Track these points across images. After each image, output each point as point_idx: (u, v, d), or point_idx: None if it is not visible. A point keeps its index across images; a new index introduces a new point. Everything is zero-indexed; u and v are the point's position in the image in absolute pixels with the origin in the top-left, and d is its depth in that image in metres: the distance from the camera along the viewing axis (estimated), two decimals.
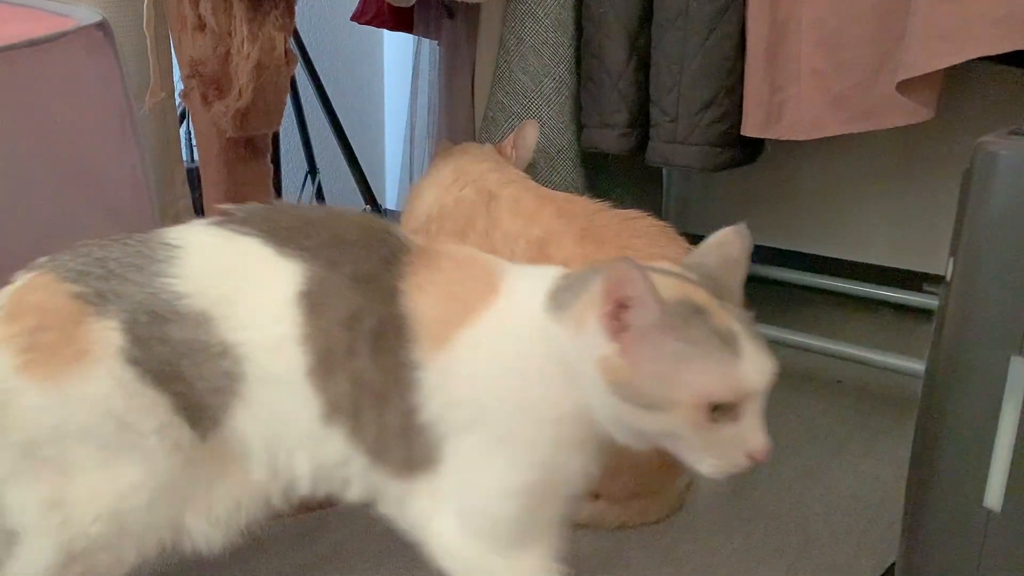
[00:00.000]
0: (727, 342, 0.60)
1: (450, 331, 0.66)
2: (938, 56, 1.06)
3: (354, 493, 0.71)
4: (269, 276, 0.66)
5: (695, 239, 1.10)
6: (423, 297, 0.67)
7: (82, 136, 1.06)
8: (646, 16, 1.37)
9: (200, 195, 1.31)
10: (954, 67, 1.07)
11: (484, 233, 1.09)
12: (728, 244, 0.72)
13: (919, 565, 0.76)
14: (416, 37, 1.92)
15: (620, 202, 1.11)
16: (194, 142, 1.74)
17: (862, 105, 1.23)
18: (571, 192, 1.28)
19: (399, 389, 0.66)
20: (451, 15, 1.73)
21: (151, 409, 0.65)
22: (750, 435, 0.61)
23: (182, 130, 1.71)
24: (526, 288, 0.68)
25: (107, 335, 0.64)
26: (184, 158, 1.69)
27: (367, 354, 0.65)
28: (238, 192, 1.21)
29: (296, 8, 1.16)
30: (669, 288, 0.62)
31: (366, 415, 0.66)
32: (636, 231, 1.05)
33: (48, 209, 1.02)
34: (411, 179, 1.98)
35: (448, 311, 0.67)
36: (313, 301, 0.65)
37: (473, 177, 1.17)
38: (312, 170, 2.09)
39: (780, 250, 1.97)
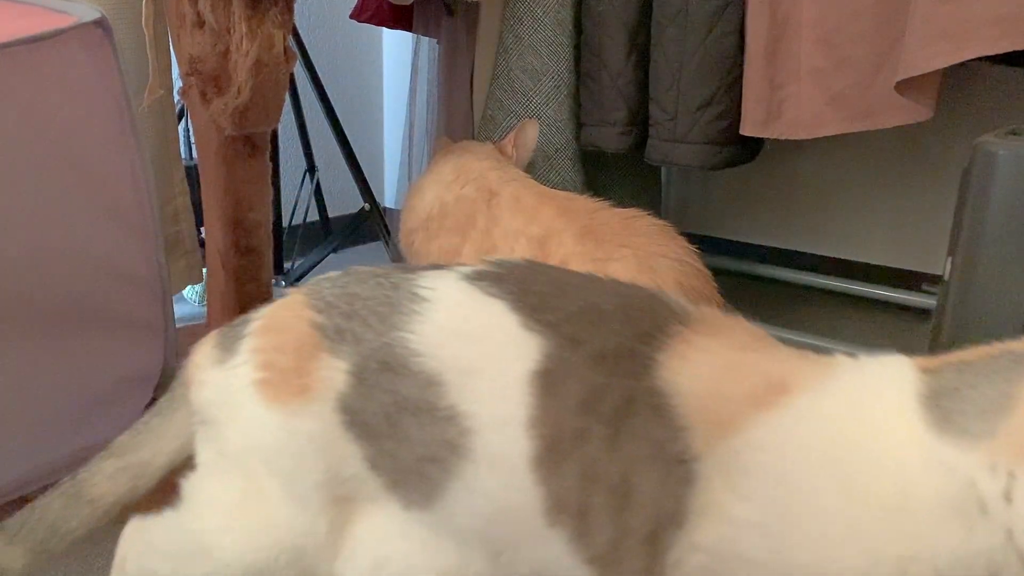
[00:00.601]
0: None
1: (741, 414, 0.53)
2: (937, 56, 1.06)
3: None
4: (508, 349, 0.59)
5: (694, 238, 1.11)
6: (691, 368, 0.56)
7: (80, 133, 1.06)
8: (646, 14, 1.37)
9: (199, 192, 1.31)
10: (953, 67, 1.08)
11: (485, 231, 1.09)
12: None
13: None
14: (415, 35, 1.92)
15: (619, 201, 1.11)
16: (192, 139, 1.74)
17: (861, 104, 1.23)
18: (569, 191, 1.29)
19: (659, 491, 0.54)
20: (450, 13, 1.73)
21: (347, 458, 0.62)
22: None
23: (181, 127, 1.71)
24: (869, 379, 0.54)
25: (333, 377, 0.61)
26: (183, 155, 1.69)
27: (604, 440, 0.55)
28: (236, 189, 1.21)
29: (295, 6, 1.15)
30: None
31: (596, 515, 0.55)
32: (637, 230, 1.06)
33: (46, 206, 1.02)
34: (410, 177, 1.98)
35: (735, 386, 0.54)
36: (547, 382, 0.58)
37: (474, 175, 1.17)
38: (311, 168, 2.09)
39: (779, 249, 1.97)
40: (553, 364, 0.58)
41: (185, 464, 0.70)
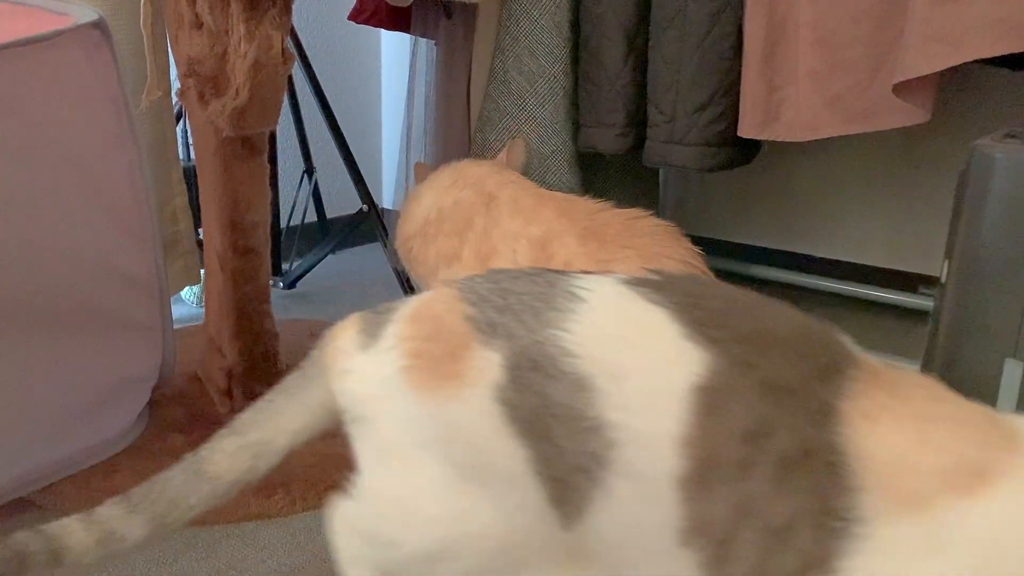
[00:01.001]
0: None
1: (930, 491, 0.50)
2: (935, 58, 1.06)
3: None
4: (667, 359, 0.57)
5: (691, 240, 1.11)
6: (876, 430, 0.53)
7: (79, 134, 1.06)
8: (644, 16, 1.37)
9: (197, 194, 1.31)
10: (950, 69, 1.08)
11: (483, 233, 1.09)
12: None
13: None
14: (413, 37, 1.92)
15: (616, 203, 1.11)
16: (191, 141, 1.74)
17: (859, 106, 1.24)
18: (565, 193, 1.29)
19: (812, 539, 0.52)
20: (449, 15, 1.73)
21: (510, 456, 0.59)
22: None
23: (179, 129, 1.71)
24: None
25: (487, 366, 0.59)
26: (181, 157, 1.69)
27: (768, 480, 0.53)
28: (235, 191, 1.21)
29: (293, 7, 1.15)
30: None
31: (741, 549, 0.54)
32: (640, 231, 1.05)
33: (44, 206, 1.02)
34: (408, 179, 1.98)
35: (924, 460, 0.51)
36: (709, 400, 0.55)
37: (471, 180, 1.17)
38: (309, 169, 2.09)
39: (776, 251, 1.97)
40: (717, 383, 0.55)
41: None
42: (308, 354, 0.70)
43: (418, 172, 1.30)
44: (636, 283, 0.61)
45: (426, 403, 0.61)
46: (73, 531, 0.65)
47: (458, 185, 1.17)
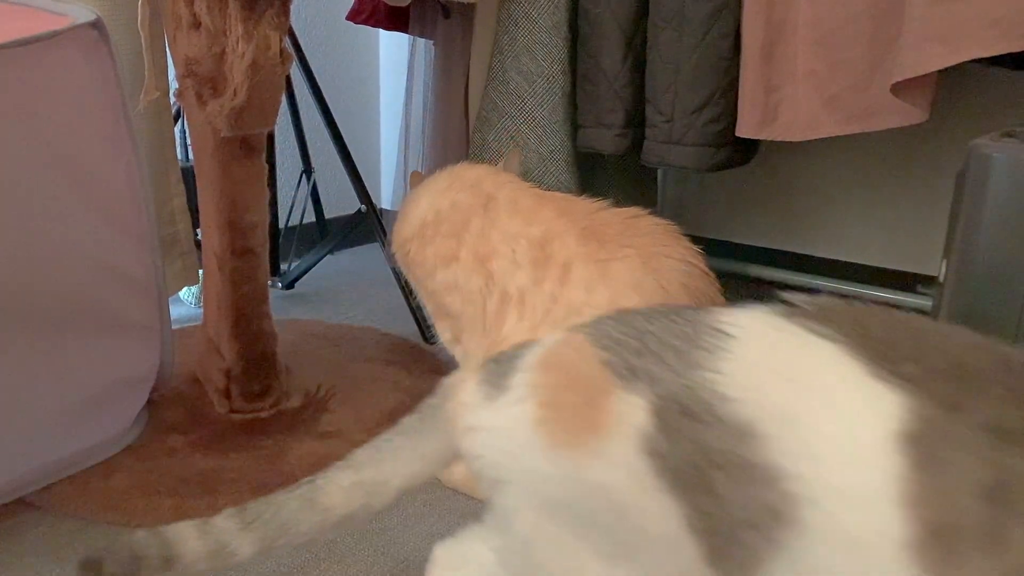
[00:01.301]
0: None
1: None
2: (933, 58, 1.06)
3: None
4: (853, 400, 0.50)
5: (690, 240, 1.11)
6: None
7: (76, 134, 1.06)
8: (642, 16, 1.37)
9: (195, 194, 1.31)
10: (948, 69, 1.08)
11: (481, 234, 1.09)
12: None
13: None
14: (411, 37, 1.92)
15: (615, 203, 1.11)
16: (189, 141, 1.74)
17: (857, 106, 1.24)
18: (563, 193, 1.29)
19: None
20: (447, 15, 1.73)
21: (661, 513, 0.53)
22: None
23: (177, 129, 1.70)
24: None
25: (630, 412, 0.54)
26: (179, 157, 1.69)
27: None
28: (233, 191, 1.21)
29: (291, 7, 1.15)
30: None
31: None
32: (639, 230, 1.05)
33: (42, 207, 1.02)
34: (406, 179, 1.98)
35: None
36: (924, 450, 0.47)
37: (469, 182, 1.17)
38: (307, 170, 2.09)
39: (774, 250, 1.97)
40: (927, 429, 0.47)
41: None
42: (425, 401, 0.68)
43: (413, 180, 1.30)
44: (792, 314, 0.55)
45: (563, 459, 0.56)
46: (188, 538, 0.65)
47: (455, 187, 1.17)
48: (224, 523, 0.65)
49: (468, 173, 1.20)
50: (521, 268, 1.05)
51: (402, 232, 1.19)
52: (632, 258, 1.01)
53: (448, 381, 0.67)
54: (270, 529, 0.66)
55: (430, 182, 1.21)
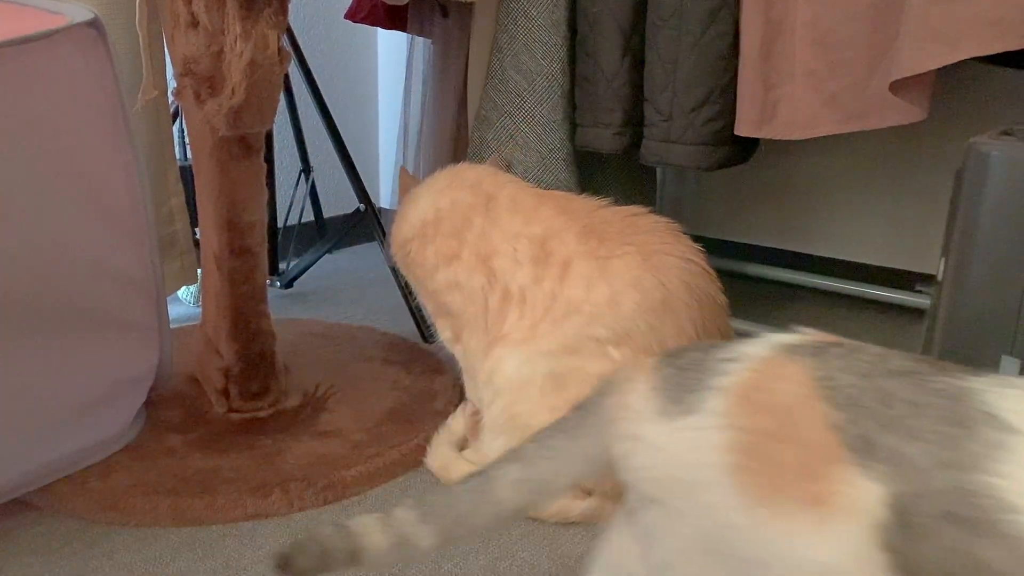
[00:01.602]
0: None
1: None
2: (931, 56, 1.06)
3: None
4: None
5: (689, 239, 1.11)
6: None
7: (74, 134, 1.06)
8: (640, 15, 1.37)
9: (193, 193, 1.30)
10: (947, 68, 1.08)
11: (482, 233, 1.09)
12: None
13: None
14: (410, 36, 1.92)
15: (614, 202, 1.12)
16: (187, 140, 1.74)
17: (855, 105, 1.24)
18: (563, 192, 1.29)
19: None
20: (445, 14, 1.73)
21: None
22: None
23: (175, 128, 1.70)
24: None
25: (865, 500, 0.47)
26: (177, 156, 1.69)
27: None
28: (231, 190, 1.21)
29: (290, 6, 1.15)
30: None
31: None
32: (640, 227, 1.06)
33: (39, 206, 1.02)
34: None
35: None
36: None
37: (469, 181, 1.17)
38: (306, 169, 2.09)
39: (773, 249, 1.98)
40: None
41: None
42: (589, 397, 0.63)
43: (402, 178, 1.31)
44: None
45: (765, 520, 0.49)
46: (371, 531, 0.64)
47: (455, 186, 1.17)
48: (405, 514, 0.64)
49: (468, 173, 1.20)
50: (522, 267, 1.06)
51: (402, 232, 1.19)
52: (632, 255, 1.02)
53: (613, 377, 0.61)
54: (447, 521, 0.64)
55: (430, 182, 1.21)
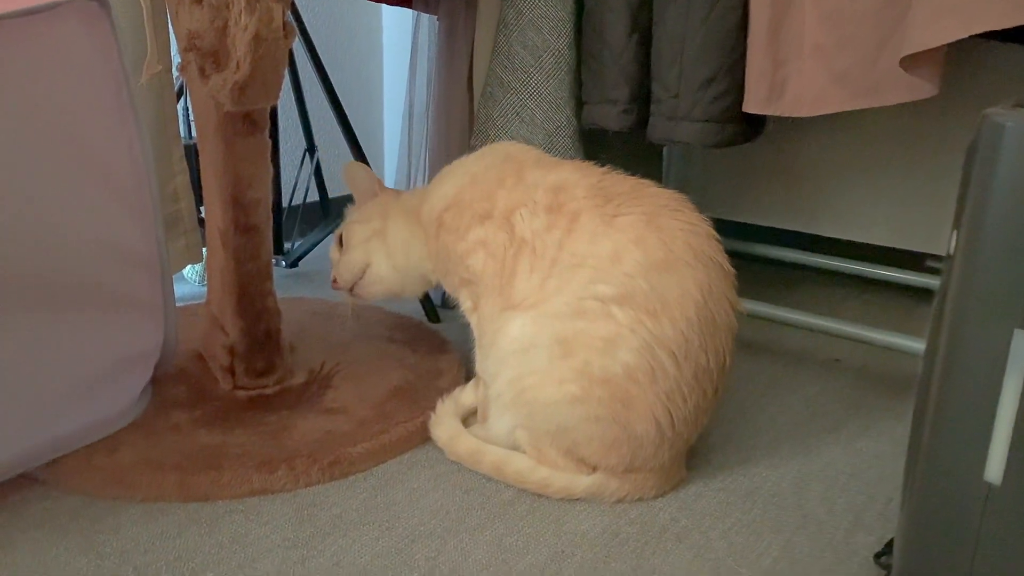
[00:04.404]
0: None
1: None
2: (943, 31, 1.05)
3: None
4: None
5: None
6: None
7: (77, 108, 1.05)
8: None
9: (198, 172, 1.30)
10: (958, 43, 1.06)
11: (511, 188, 1.12)
12: None
13: (918, 539, 0.76)
14: (415, 12, 1.90)
15: None
16: (192, 118, 1.73)
17: (865, 81, 1.22)
18: None
19: None
20: None
21: None
22: None
23: (180, 107, 1.70)
24: None
25: None
26: (182, 135, 1.68)
27: None
28: (236, 167, 1.20)
29: None
30: None
31: None
32: (647, 192, 1.08)
33: (43, 182, 1.01)
34: (409, 157, 1.97)
35: None
36: None
37: (503, 152, 1.20)
38: (311, 148, 2.08)
39: (780, 230, 1.97)
40: None
41: None
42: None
43: (353, 170, 1.32)
44: None
45: None
46: None
47: (487, 155, 1.20)
48: None
49: (501, 145, 1.23)
50: (537, 216, 1.08)
51: (435, 207, 1.19)
52: (637, 215, 1.04)
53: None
54: None
55: (461, 160, 1.23)
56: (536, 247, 1.07)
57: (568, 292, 1.02)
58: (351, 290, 1.27)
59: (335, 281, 1.27)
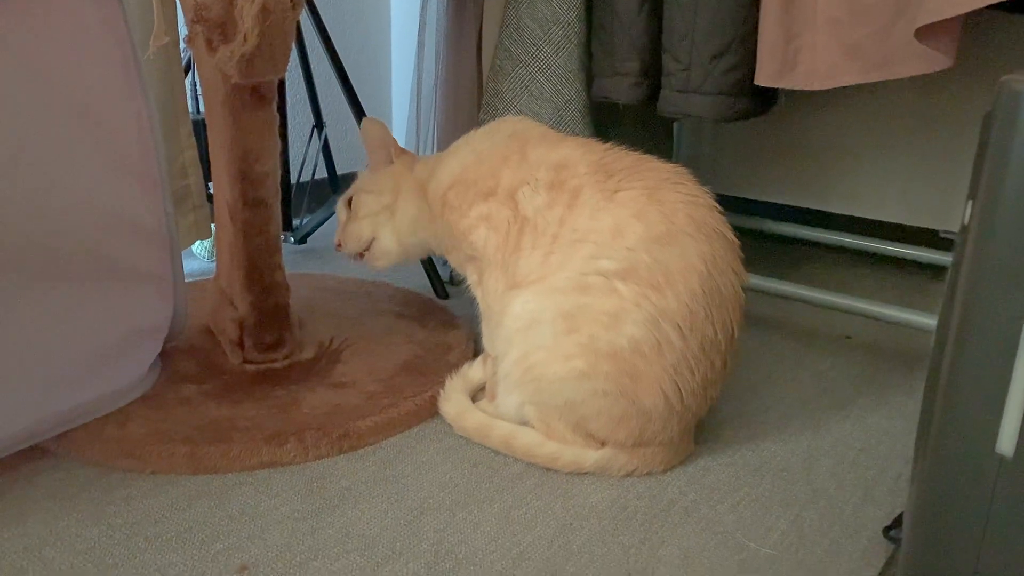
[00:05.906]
0: None
1: None
2: (960, 1, 1.03)
3: None
4: None
5: None
6: None
7: (85, 80, 1.05)
8: None
9: (206, 148, 1.29)
10: (974, 14, 1.05)
11: (516, 166, 1.11)
12: None
13: (929, 512, 0.76)
14: None
15: None
16: (200, 94, 1.72)
17: (879, 54, 1.21)
18: None
19: None
20: None
21: None
22: None
23: (187, 82, 1.69)
24: None
25: None
26: (190, 110, 1.68)
27: None
28: (244, 140, 1.19)
29: None
30: None
31: None
32: (648, 167, 1.08)
33: (52, 155, 1.01)
34: (417, 132, 1.96)
35: None
36: None
37: (508, 129, 1.19)
38: (319, 124, 2.07)
39: (790, 207, 1.95)
40: None
41: None
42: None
43: (373, 127, 1.30)
44: None
45: None
46: None
47: (493, 132, 1.19)
48: None
49: (506, 123, 1.22)
50: (539, 193, 1.08)
51: (441, 184, 1.18)
52: (638, 189, 1.04)
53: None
54: None
55: (463, 138, 1.22)
56: (538, 224, 1.07)
57: (570, 267, 1.02)
58: (358, 256, 1.27)
59: (339, 245, 1.27)
